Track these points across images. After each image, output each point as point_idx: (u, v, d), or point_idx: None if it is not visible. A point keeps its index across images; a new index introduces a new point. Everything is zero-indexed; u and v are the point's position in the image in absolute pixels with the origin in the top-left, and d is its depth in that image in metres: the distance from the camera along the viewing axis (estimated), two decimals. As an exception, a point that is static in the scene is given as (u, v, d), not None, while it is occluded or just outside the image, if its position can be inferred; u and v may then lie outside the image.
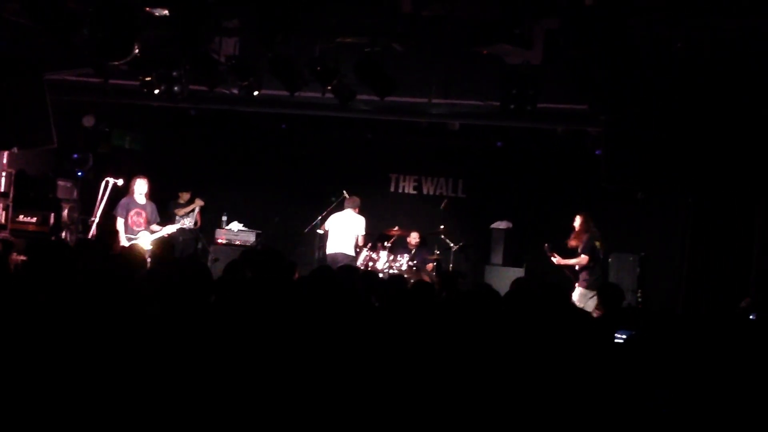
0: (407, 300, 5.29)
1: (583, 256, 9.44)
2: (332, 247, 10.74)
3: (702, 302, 9.93)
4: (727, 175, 8.91)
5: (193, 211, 11.64)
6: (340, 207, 11.28)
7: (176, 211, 11.67)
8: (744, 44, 7.96)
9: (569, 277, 9.64)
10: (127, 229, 9.85)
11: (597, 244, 9.61)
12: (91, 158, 11.81)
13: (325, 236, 11.10)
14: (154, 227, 10.03)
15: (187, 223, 10.95)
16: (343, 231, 10.75)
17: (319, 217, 11.59)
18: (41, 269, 5.33)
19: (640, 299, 10.52)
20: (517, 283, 5.91)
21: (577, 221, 9.75)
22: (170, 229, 10.09)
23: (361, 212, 11.08)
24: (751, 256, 9.76)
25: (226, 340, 4.13)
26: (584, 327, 4.90)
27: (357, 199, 11.09)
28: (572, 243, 9.63)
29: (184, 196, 11.99)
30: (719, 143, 8.73)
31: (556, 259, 9.63)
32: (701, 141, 8.72)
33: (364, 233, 10.91)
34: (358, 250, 10.98)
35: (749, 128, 8.69)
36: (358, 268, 7.17)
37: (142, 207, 10.03)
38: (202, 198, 11.87)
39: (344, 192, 11.51)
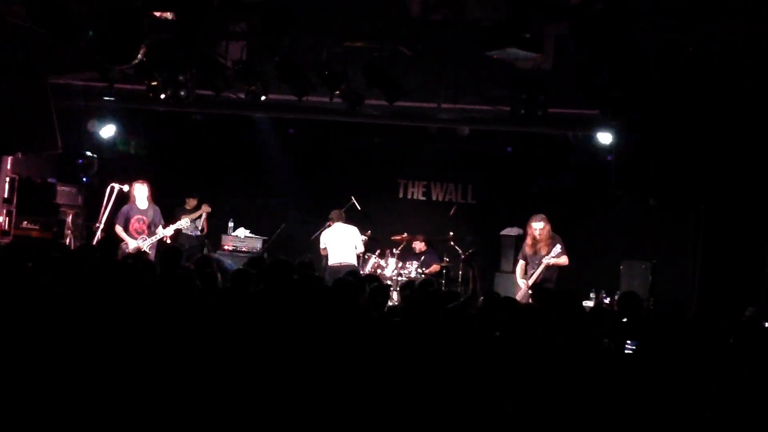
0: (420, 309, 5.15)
1: (566, 257, 9.23)
2: (335, 258, 10.28)
3: (714, 310, 9.77)
4: (740, 182, 8.79)
5: (200, 217, 11.51)
6: (350, 214, 11.14)
7: (182, 216, 11.55)
8: (756, 50, 7.85)
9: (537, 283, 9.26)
10: (129, 236, 9.76)
11: None
12: (96, 163, 11.74)
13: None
14: (159, 230, 9.91)
15: (184, 224, 10.74)
16: (342, 243, 10.44)
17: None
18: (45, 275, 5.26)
19: (651, 307, 10.36)
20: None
21: (543, 224, 9.33)
22: (168, 231, 9.94)
23: (370, 218, 10.94)
24: (764, 263, 9.61)
25: (224, 348, 4.05)
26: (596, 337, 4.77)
27: (338, 211, 10.82)
28: (544, 247, 9.29)
29: (191, 203, 11.86)
30: (732, 150, 8.61)
31: (552, 261, 9.26)
32: (713, 147, 8.60)
33: (361, 241, 10.69)
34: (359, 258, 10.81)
35: (762, 135, 8.56)
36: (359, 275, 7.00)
37: (144, 212, 9.93)
38: (209, 204, 11.73)
39: (352, 198, 11.39)
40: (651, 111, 8.58)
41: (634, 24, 7.43)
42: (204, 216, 11.52)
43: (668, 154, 8.70)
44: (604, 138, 10.22)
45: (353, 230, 10.59)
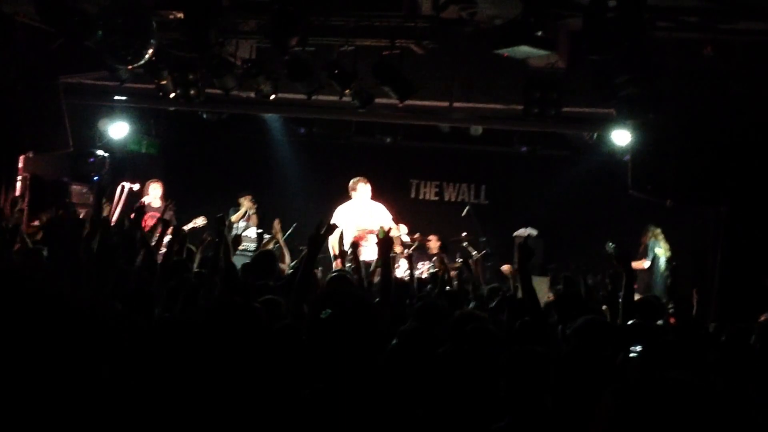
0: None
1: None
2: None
3: (735, 314, 9.61)
4: (760, 183, 8.63)
5: (245, 214, 11.38)
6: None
7: (233, 218, 11.44)
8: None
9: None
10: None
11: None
12: (107, 162, 11.72)
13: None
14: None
15: (200, 222, 10.62)
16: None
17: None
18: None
19: (671, 311, 10.21)
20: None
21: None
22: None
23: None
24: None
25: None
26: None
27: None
28: None
29: (245, 203, 11.74)
30: (751, 149, 8.45)
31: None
32: (732, 147, 8.45)
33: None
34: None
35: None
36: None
37: (157, 210, 9.94)
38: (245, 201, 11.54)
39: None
40: (668, 110, 8.44)
41: (651, 22, 7.30)
42: (249, 213, 11.40)
43: (686, 154, 8.56)
44: (620, 137, 10.06)
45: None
